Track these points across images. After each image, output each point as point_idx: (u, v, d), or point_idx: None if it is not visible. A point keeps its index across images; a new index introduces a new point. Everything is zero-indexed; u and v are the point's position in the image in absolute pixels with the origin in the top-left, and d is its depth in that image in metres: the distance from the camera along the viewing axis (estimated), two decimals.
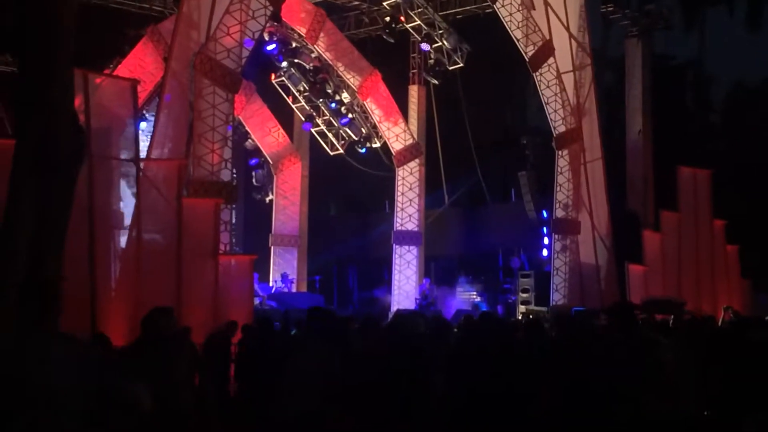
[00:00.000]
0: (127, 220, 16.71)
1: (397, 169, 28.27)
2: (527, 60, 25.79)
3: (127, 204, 16.74)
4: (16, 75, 10.53)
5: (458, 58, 27.18)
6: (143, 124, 21.40)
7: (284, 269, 28.00)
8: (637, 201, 28.45)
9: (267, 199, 29.31)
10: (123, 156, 16.69)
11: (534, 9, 25.58)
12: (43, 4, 9.93)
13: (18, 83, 9.99)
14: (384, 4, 27.31)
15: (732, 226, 26.49)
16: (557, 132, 26.19)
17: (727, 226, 26.44)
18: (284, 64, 27.02)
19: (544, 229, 27.55)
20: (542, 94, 26.16)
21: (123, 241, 16.63)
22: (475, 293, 28.26)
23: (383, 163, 29.29)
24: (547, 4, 26.01)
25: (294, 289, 27.48)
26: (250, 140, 28.15)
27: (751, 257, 26.41)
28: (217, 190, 19.35)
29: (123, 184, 16.71)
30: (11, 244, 9.17)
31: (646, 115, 28.84)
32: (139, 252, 16.62)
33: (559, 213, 26.07)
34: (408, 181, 28.26)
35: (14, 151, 9.47)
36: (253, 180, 29.34)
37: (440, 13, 27.76)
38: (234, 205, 22.91)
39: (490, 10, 25.61)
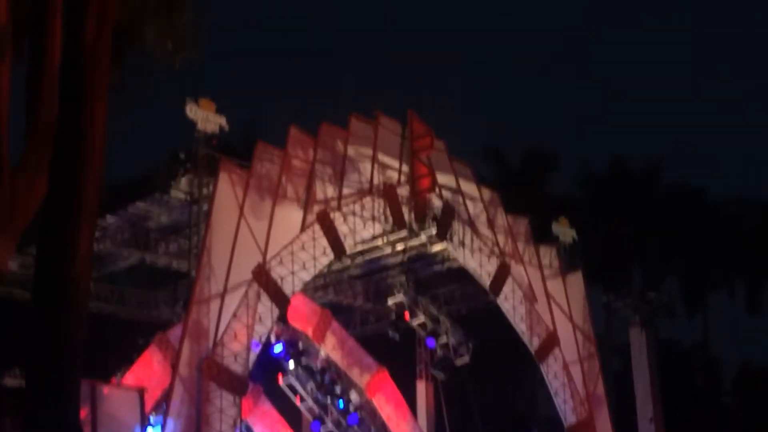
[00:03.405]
0: None
1: None
2: (533, 352, 25.95)
3: None
4: (23, 389, 10.62)
5: (464, 353, 27.33)
6: (150, 430, 21.21)
7: None
8: None
9: None
10: None
11: (536, 301, 26.09)
12: (52, 319, 10.20)
13: (24, 399, 10.08)
14: (388, 302, 27.80)
15: None
16: (568, 423, 25.92)
17: None
18: (291, 365, 27.13)
19: None
20: (550, 384, 26.15)
21: None
22: None
23: None
24: (549, 296, 26.56)
25: None
26: None
27: None
28: None
29: None
30: None
31: (656, 402, 28.57)
32: None
33: None
34: None
35: None
36: None
37: (444, 309, 28.19)
38: None
39: (494, 304, 26.04)
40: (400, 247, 25.98)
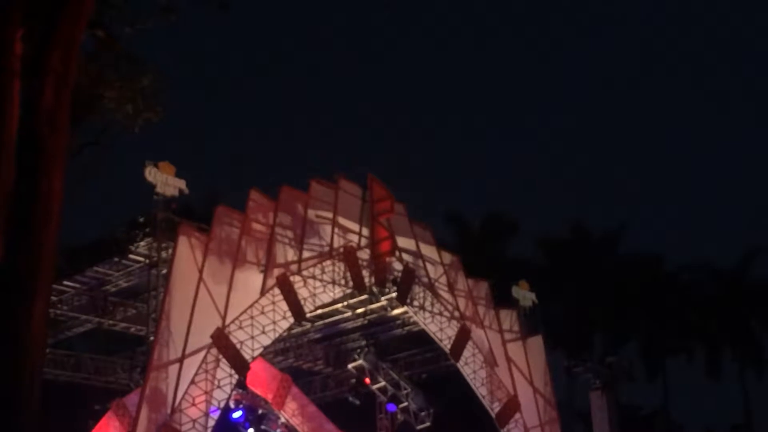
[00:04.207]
0: None
1: None
2: (494, 417, 25.84)
3: None
4: None
5: (425, 417, 27.15)
6: None
7: None
8: None
9: None
10: None
11: (497, 365, 26.06)
12: (6, 386, 10.03)
13: None
14: (349, 366, 27.64)
15: None
16: None
17: None
18: (251, 431, 26.80)
19: None
20: None
21: None
22: None
23: None
24: (509, 360, 26.54)
25: None
26: None
27: None
28: None
29: None
30: None
31: None
32: None
33: None
34: None
35: None
36: None
37: (405, 373, 28.06)
38: None
39: (455, 368, 25.95)
40: (360, 310, 25.94)
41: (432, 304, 25.06)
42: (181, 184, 21.56)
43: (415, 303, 24.72)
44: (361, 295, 24.53)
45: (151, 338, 20.59)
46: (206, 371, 20.20)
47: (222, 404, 20.79)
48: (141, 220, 21.85)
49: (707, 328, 46.31)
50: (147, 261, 22.63)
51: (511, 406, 25.93)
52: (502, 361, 26.33)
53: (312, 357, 29.13)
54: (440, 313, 25.22)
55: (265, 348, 21.98)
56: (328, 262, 23.17)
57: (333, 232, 23.57)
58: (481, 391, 25.76)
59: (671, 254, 60.52)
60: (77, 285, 24.22)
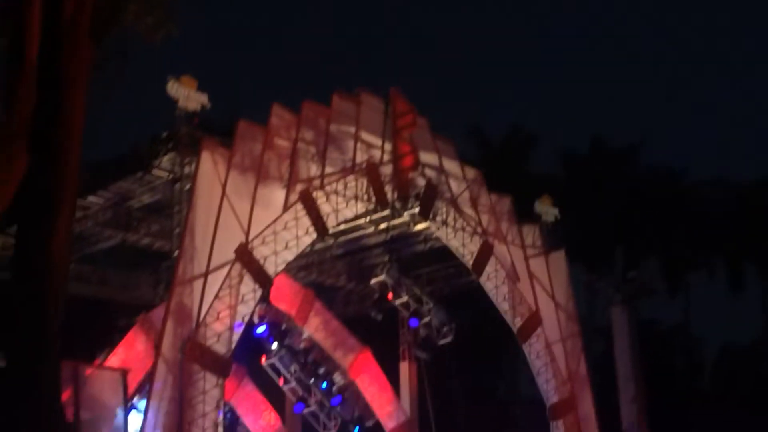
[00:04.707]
0: None
1: None
2: (515, 331, 25.96)
3: None
4: (4, 370, 10.51)
5: (447, 332, 27.29)
6: (134, 413, 21.10)
7: None
8: None
9: None
10: None
11: (519, 281, 26.07)
12: (31, 299, 10.09)
13: (6, 380, 9.97)
14: (371, 282, 27.75)
15: None
16: (550, 402, 25.99)
17: None
18: (275, 345, 27.04)
19: None
20: (532, 364, 26.21)
21: None
22: None
23: None
24: (531, 275, 26.55)
25: None
26: (242, 424, 27.69)
27: None
28: None
29: None
30: None
31: (639, 382, 28.64)
32: None
33: None
34: None
35: None
36: None
37: (427, 289, 28.16)
38: None
39: (477, 283, 26.00)
40: (382, 226, 25.90)
41: (454, 220, 24.98)
42: (203, 98, 21.41)
43: (438, 218, 24.63)
44: (383, 211, 24.46)
45: (176, 253, 20.68)
46: (230, 286, 20.29)
47: (246, 319, 20.94)
48: (164, 135, 21.77)
49: (729, 243, 46.15)
50: (170, 176, 22.63)
51: (533, 320, 26.01)
52: (524, 277, 26.34)
53: (335, 273, 29.25)
54: (463, 229, 25.14)
55: (288, 263, 22.02)
56: (351, 177, 23.05)
57: (355, 147, 23.43)
58: (503, 306, 25.82)
59: (695, 169, 59.98)
60: (101, 200, 24.28)
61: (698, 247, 46.38)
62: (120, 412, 16.80)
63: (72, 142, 10.89)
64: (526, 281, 26.35)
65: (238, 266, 20.50)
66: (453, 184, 25.43)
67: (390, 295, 27.49)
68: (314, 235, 22.09)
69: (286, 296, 25.86)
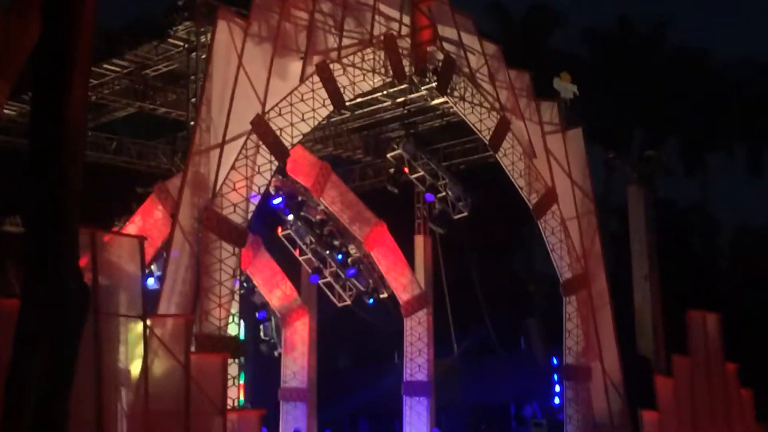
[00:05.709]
0: (135, 378, 16.55)
1: (405, 319, 28.16)
2: (531, 208, 26.03)
3: (134, 361, 16.62)
4: (24, 235, 10.62)
5: (463, 207, 27.39)
6: (150, 281, 21.45)
7: (293, 424, 27.55)
8: (647, 346, 28.18)
9: (275, 353, 29.04)
10: (130, 313, 16.66)
11: (536, 157, 26.01)
12: (48, 164, 10.11)
13: (25, 245, 10.06)
14: (388, 156, 27.75)
15: (744, 369, 26.20)
16: (564, 278, 26.23)
17: (740, 369, 26.14)
18: (291, 217, 27.27)
19: (555, 376, 27.25)
20: (547, 240, 26.34)
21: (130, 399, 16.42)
22: None
23: (391, 313, 29.19)
24: (548, 152, 26.47)
25: None
26: (257, 293, 28.15)
27: (765, 401, 26.03)
28: (225, 344, 19.25)
29: (130, 341, 16.62)
30: (17, 404, 9.08)
31: (653, 260, 28.81)
32: (147, 411, 16.39)
33: (569, 360, 25.85)
34: (416, 331, 28.14)
35: (19, 313, 9.47)
36: (261, 333, 29.16)
37: (444, 164, 28.15)
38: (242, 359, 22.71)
39: (493, 159, 25.97)
40: (400, 100, 25.76)
41: (472, 95, 24.76)
42: None
43: (455, 93, 24.42)
44: (400, 85, 24.26)
45: (192, 123, 20.68)
46: (246, 157, 20.30)
47: (262, 190, 21.01)
48: (180, 2, 21.50)
49: (750, 125, 45.74)
50: (186, 45, 22.46)
51: (549, 197, 26.05)
52: (541, 153, 26.27)
53: (351, 146, 29.24)
54: (480, 104, 24.96)
55: (305, 135, 21.97)
56: (368, 50, 22.78)
57: (373, 19, 23.09)
58: (519, 183, 25.82)
59: (719, 50, 58.87)
60: (117, 69, 24.18)
61: (718, 129, 46.02)
62: (138, 279, 17.00)
63: (86, 5, 10.74)
64: (543, 158, 26.28)
65: (254, 137, 20.47)
66: (471, 59, 25.13)
67: (406, 169, 27.52)
68: (331, 108, 21.96)
69: (303, 168, 25.94)
